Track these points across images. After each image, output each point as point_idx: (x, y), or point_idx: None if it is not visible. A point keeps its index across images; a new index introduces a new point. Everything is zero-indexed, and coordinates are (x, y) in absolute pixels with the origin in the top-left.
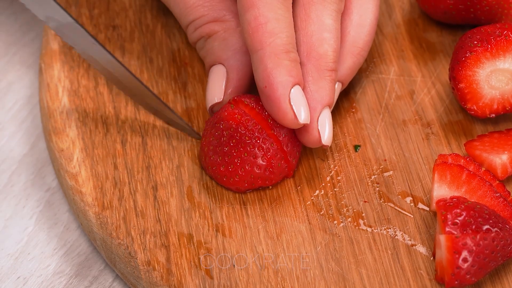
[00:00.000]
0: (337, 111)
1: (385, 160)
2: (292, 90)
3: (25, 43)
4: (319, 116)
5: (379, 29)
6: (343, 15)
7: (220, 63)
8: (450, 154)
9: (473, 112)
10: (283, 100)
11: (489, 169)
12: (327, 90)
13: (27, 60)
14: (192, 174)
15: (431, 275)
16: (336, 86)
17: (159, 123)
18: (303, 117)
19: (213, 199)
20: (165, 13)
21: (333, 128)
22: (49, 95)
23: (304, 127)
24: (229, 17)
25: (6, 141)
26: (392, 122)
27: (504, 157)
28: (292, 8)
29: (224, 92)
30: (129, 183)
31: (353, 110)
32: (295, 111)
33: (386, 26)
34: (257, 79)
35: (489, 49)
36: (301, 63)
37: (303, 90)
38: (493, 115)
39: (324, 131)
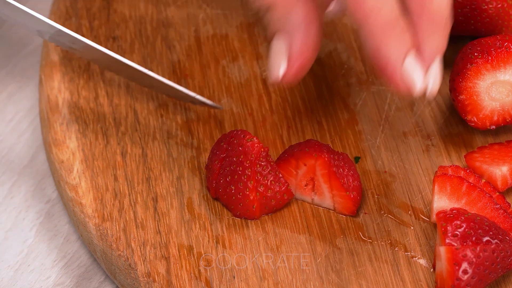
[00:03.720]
0: (337, 123)
1: (385, 171)
2: (405, 62)
3: (25, 54)
4: (428, 69)
5: None
6: None
7: (281, 37)
8: (450, 166)
9: (473, 124)
10: (395, 76)
11: (489, 181)
12: (439, 42)
13: (27, 71)
14: (192, 186)
15: (431, 286)
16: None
17: (159, 134)
18: (418, 87)
19: (213, 211)
20: (165, 25)
21: (339, 135)
22: (49, 107)
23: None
24: None
25: (6, 152)
26: (392, 134)
27: (504, 169)
28: None
29: (287, 67)
30: (129, 195)
31: (353, 121)
32: (409, 83)
33: None
34: (368, 54)
35: (489, 60)
36: (413, 22)
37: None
38: (494, 127)
39: (433, 82)
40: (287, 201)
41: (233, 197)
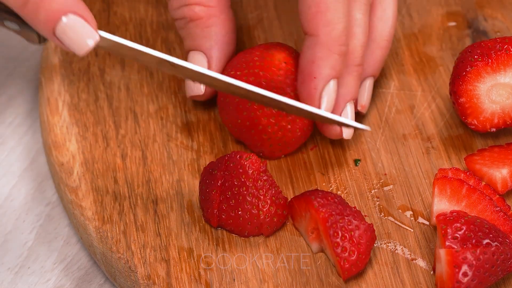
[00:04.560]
0: None
1: (385, 174)
2: (330, 83)
3: (25, 57)
4: (342, 111)
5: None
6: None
7: (201, 51)
8: (450, 168)
9: (473, 127)
10: (316, 92)
11: (489, 183)
12: (352, 87)
13: (27, 74)
14: (192, 188)
15: None
16: (369, 82)
17: (159, 137)
18: (324, 109)
19: None
20: (165, 27)
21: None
22: (49, 109)
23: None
24: (213, 3)
25: (6, 155)
26: (392, 136)
27: (504, 171)
28: None
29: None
30: (129, 197)
31: None
32: (321, 102)
33: None
34: (302, 61)
35: (489, 63)
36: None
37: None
38: (494, 130)
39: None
40: (286, 217)
41: (240, 218)
